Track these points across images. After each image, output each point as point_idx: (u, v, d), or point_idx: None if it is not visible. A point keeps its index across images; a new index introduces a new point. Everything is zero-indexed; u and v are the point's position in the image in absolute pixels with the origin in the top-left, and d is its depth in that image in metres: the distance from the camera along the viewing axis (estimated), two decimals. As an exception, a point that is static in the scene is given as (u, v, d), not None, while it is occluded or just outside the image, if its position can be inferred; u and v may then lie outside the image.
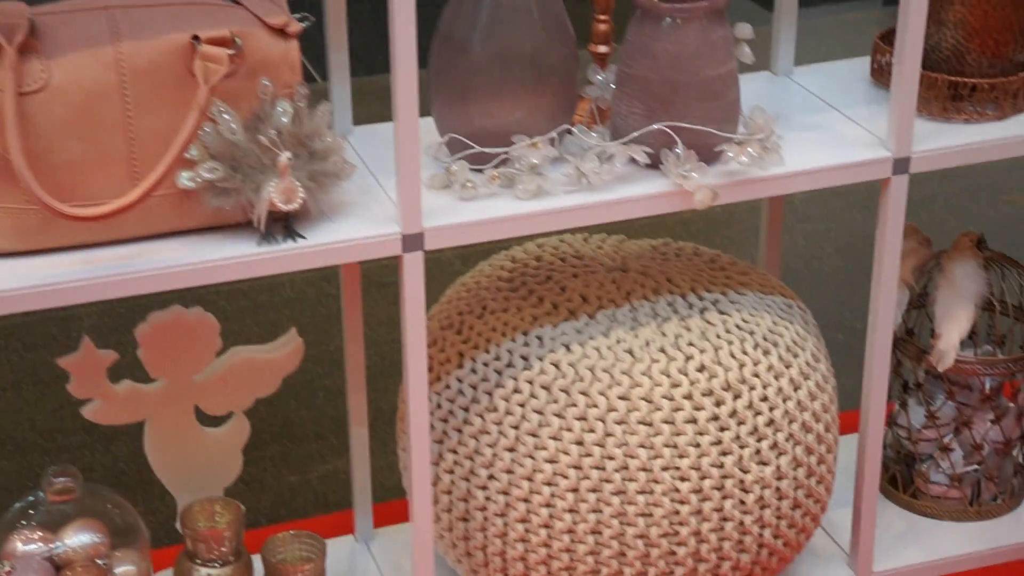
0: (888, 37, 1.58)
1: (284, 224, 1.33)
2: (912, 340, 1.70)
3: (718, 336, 1.51)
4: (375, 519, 1.73)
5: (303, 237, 1.33)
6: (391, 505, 1.78)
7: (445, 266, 2.38)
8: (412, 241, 1.36)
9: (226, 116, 1.29)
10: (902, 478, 1.75)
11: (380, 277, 2.16)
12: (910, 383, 1.73)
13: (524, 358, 1.50)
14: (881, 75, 1.59)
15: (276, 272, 1.32)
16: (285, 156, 1.30)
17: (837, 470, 1.67)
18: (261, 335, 1.55)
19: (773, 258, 1.79)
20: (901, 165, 1.47)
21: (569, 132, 1.45)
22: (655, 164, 1.42)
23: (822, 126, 1.54)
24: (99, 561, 1.39)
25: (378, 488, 1.76)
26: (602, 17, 1.54)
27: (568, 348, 1.50)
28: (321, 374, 2.17)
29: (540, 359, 1.50)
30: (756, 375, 1.50)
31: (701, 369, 1.49)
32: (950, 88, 1.51)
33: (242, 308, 2.40)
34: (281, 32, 1.32)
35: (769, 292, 1.60)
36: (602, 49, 1.55)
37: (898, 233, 1.50)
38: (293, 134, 1.31)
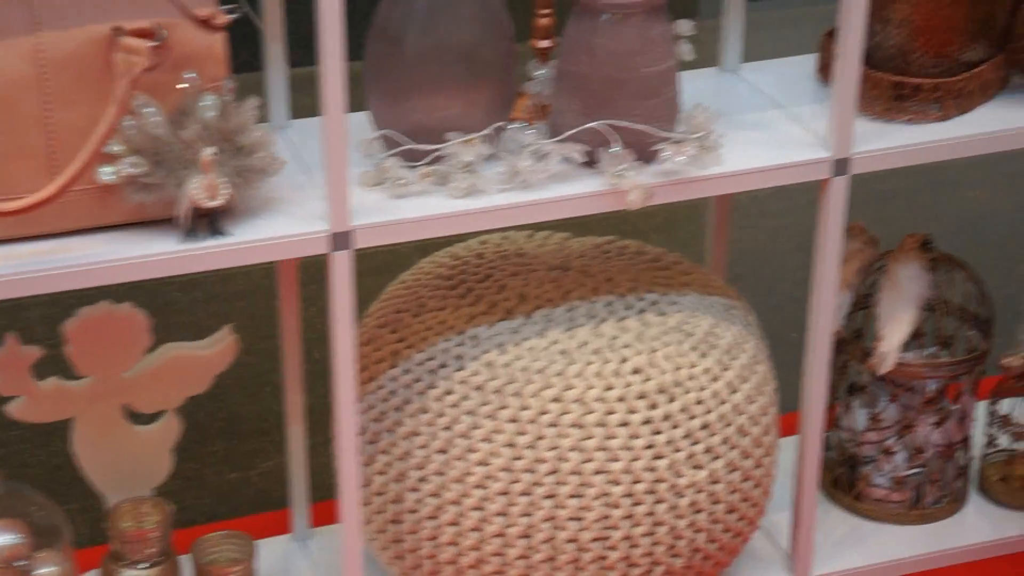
0: (834, 34, 1.56)
1: (209, 220, 1.30)
2: (858, 342, 1.68)
3: (655, 338, 1.49)
4: (315, 518, 1.70)
5: (228, 234, 1.30)
6: (331, 504, 1.75)
7: (404, 259, 2.36)
8: (340, 239, 1.33)
9: (149, 110, 1.26)
10: (846, 480, 1.73)
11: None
12: (856, 385, 1.71)
13: (458, 358, 1.48)
14: (827, 73, 1.56)
15: (200, 270, 1.30)
16: (209, 151, 1.27)
17: (781, 472, 1.65)
18: (213, 327, 1.52)
19: (720, 257, 1.77)
20: (841, 166, 1.45)
21: (506, 129, 1.43)
22: (592, 162, 1.40)
23: (765, 125, 1.51)
24: (18, 563, 1.36)
25: (321, 486, 1.74)
26: (544, 11, 1.52)
27: (502, 349, 1.48)
28: (269, 368, 2.15)
29: (474, 359, 1.47)
30: (692, 378, 1.48)
31: (636, 372, 1.46)
32: (894, 88, 1.49)
33: (195, 300, 2.37)
34: (207, 24, 1.29)
35: (711, 293, 1.58)
36: (543, 44, 1.52)
37: (838, 235, 1.48)
38: (218, 129, 1.28)
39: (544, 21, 1.52)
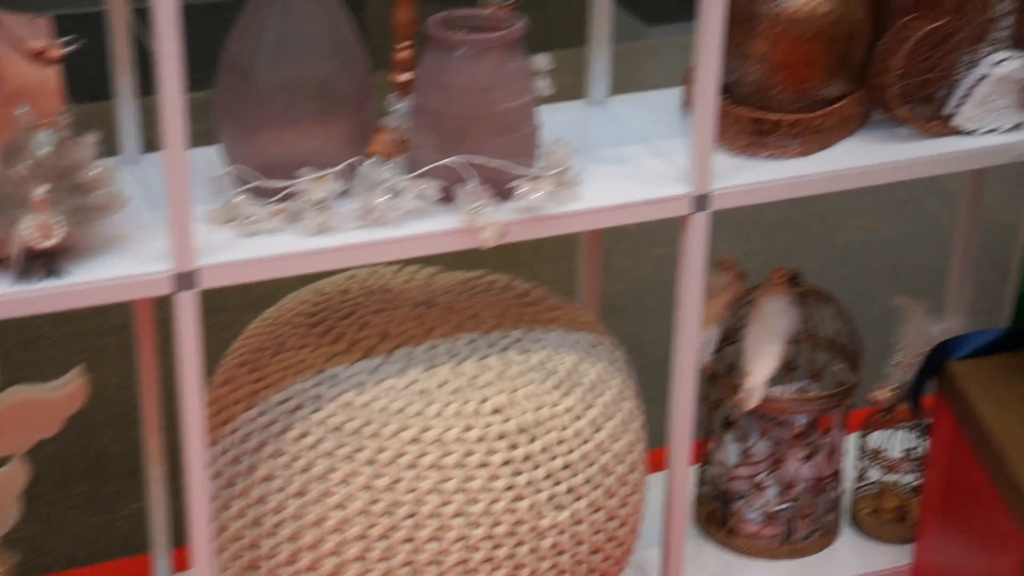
0: (698, 69, 1.55)
1: (45, 261, 1.25)
2: (729, 376, 1.66)
3: (516, 376, 1.47)
4: (177, 563, 1.65)
5: (65, 275, 1.26)
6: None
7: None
8: (184, 280, 1.29)
9: (-21, 147, 1.22)
10: (719, 515, 1.72)
11: (219, 302, 2.09)
12: (729, 420, 1.70)
13: (316, 399, 1.44)
14: (692, 107, 1.55)
15: (33, 313, 1.25)
16: (41, 190, 1.22)
17: (655, 507, 1.63)
18: (86, 361, 1.47)
19: (593, 290, 1.75)
20: (701, 202, 1.43)
21: (362, 164, 1.39)
22: (450, 199, 1.38)
23: (628, 159, 1.50)
24: None
25: (183, 530, 1.69)
26: (403, 44, 1.49)
27: (361, 389, 1.44)
28: (139, 405, 2.09)
29: (332, 400, 1.44)
30: (554, 417, 1.45)
31: (496, 411, 1.44)
32: (754, 123, 1.48)
33: (67, 334, 2.32)
34: (41, 57, 1.25)
35: (578, 329, 1.56)
36: (403, 78, 1.49)
37: (700, 271, 1.47)
38: (53, 166, 1.24)
39: (403, 55, 1.49)
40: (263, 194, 1.36)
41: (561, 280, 2.43)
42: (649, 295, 2.54)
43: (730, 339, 1.67)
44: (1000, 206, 2.67)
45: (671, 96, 1.63)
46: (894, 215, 2.82)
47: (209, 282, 1.30)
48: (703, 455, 1.73)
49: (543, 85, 1.42)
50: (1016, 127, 1.51)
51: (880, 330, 1.85)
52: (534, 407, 1.45)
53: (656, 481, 1.65)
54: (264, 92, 1.34)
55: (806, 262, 2.57)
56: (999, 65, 1.46)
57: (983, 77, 1.47)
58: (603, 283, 2.21)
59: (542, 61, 1.42)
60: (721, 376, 1.67)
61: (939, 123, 1.51)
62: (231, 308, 2.20)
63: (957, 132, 1.51)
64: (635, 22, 3.65)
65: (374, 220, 1.36)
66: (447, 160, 1.35)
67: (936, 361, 1.56)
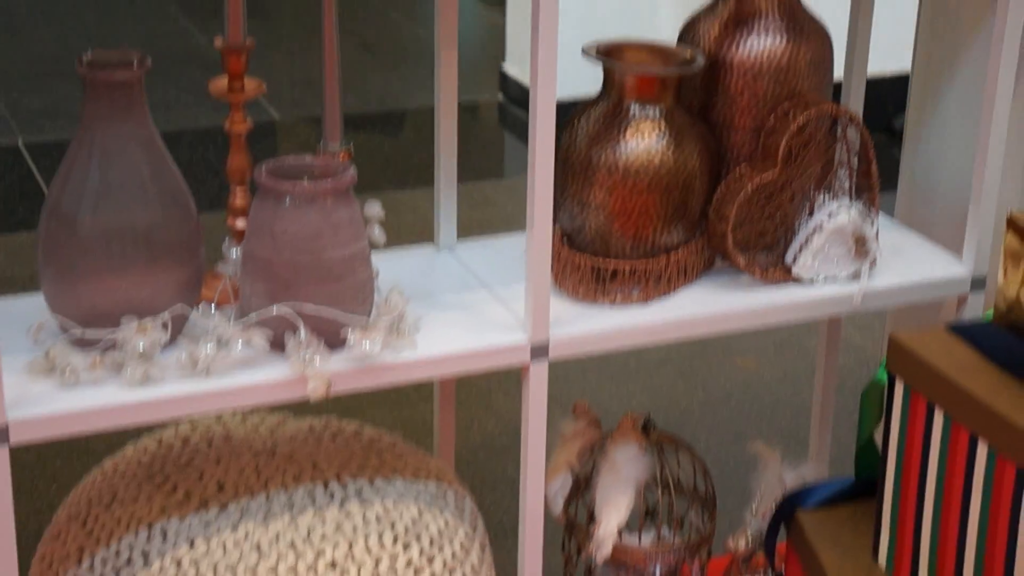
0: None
1: None
2: (586, 525, 1.63)
3: (355, 528, 1.43)
4: None
5: None
6: None
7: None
8: (-5, 434, 1.24)
9: None
10: (576, 669, 1.67)
11: (85, 445, 2.03)
12: (589, 570, 1.66)
13: (145, 555, 1.39)
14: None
15: None
16: None
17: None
18: None
19: (448, 436, 1.72)
20: (539, 351, 1.42)
21: (191, 312, 1.37)
22: (281, 348, 1.35)
23: (470, 307, 1.48)
24: None
25: None
26: (239, 190, 1.47)
27: (192, 543, 1.40)
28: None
29: (161, 556, 1.39)
30: (393, 570, 1.41)
31: (332, 566, 1.39)
32: (594, 271, 1.47)
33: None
34: None
35: (424, 478, 1.52)
36: (239, 224, 1.48)
37: (541, 421, 1.44)
38: None
39: (240, 201, 1.47)
40: (86, 344, 1.32)
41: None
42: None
43: (584, 487, 1.65)
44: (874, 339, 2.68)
45: (520, 241, 1.62)
46: (776, 353, 2.82)
47: (18, 438, 1.26)
48: (560, 606, 1.69)
49: (375, 234, 1.41)
50: (854, 276, 1.51)
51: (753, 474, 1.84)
52: (373, 561, 1.41)
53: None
54: (87, 239, 1.32)
55: (687, 401, 2.56)
56: (833, 216, 1.47)
57: (819, 227, 1.48)
58: (484, 423, 2.18)
59: (374, 209, 1.40)
60: (577, 525, 1.64)
61: (779, 271, 1.51)
62: (97, 452, 2.15)
63: (798, 281, 1.51)
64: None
65: (200, 370, 1.33)
66: (276, 309, 1.33)
67: (786, 511, 1.54)
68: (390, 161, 3.36)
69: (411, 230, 2.89)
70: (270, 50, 4.02)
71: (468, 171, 3.45)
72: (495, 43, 4.10)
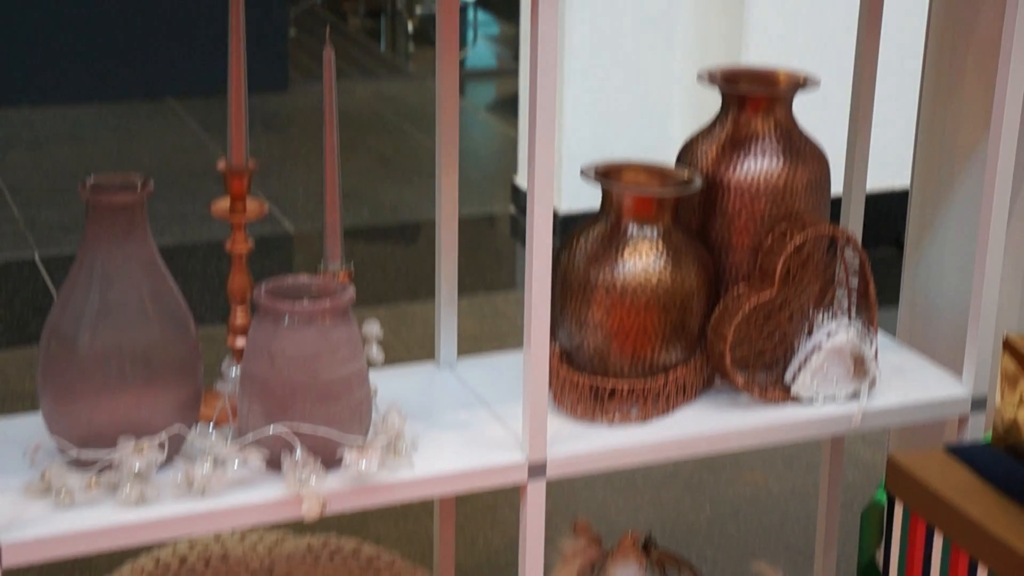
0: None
1: None
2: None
3: (350, 651, 1.42)
4: None
5: None
6: None
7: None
8: (-13, 555, 1.24)
9: None
10: None
11: (88, 560, 2.02)
12: None
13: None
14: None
15: None
16: None
17: None
18: None
19: (447, 554, 1.71)
20: (536, 470, 1.41)
21: (188, 432, 1.37)
22: (278, 467, 1.35)
23: (468, 425, 1.48)
24: None
25: None
26: (240, 309, 1.48)
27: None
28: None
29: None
30: None
31: None
32: (592, 390, 1.47)
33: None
34: None
35: (422, 598, 1.51)
36: (239, 343, 1.48)
37: (539, 540, 1.43)
38: None
39: (240, 320, 1.48)
40: (83, 464, 1.32)
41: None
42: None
43: (585, 607, 1.63)
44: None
45: (519, 358, 1.62)
46: (785, 468, 2.80)
47: (12, 560, 1.25)
48: None
49: (373, 353, 1.41)
50: (853, 396, 1.51)
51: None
52: None
53: None
54: (86, 360, 1.33)
55: (694, 516, 2.54)
56: (832, 335, 1.47)
57: (817, 346, 1.48)
58: (489, 538, 2.16)
59: (372, 329, 1.41)
60: (578, 645, 1.62)
61: (778, 391, 1.51)
62: (98, 567, 2.14)
63: (797, 400, 1.51)
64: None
65: (196, 491, 1.33)
66: (273, 428, 1.33)
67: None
68: (402, 273, 3.38)
69: (421, 343, 2.90)
70: (286, 163, 4.07)
71: (480, 282, 3.48)
72: (508, 156, 4.14)
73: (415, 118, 4.49)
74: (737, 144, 1.51)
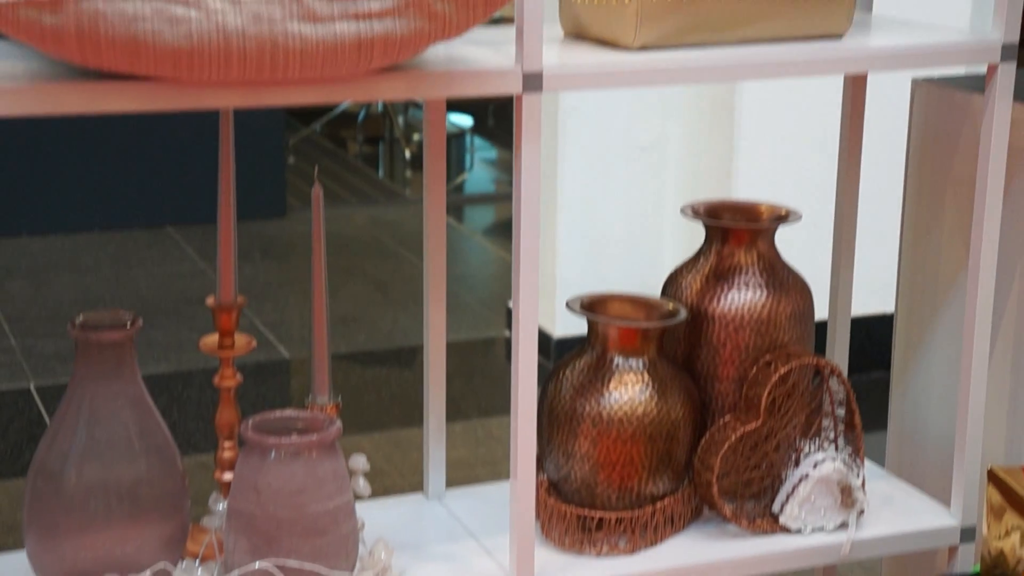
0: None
1: None
2: None
3: None
4: None
5: None
6: None
7: None
8: None
9: None
10: None
11: None
12: None
13: None
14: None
15: None
16: None
17: None
18: None
19: None
20: (523, 604, 1.41)
21: (174, 569, 1.36)
22: (264, 602, 1.34)
23: (456, 557, 1.48)
24: None
25: None
26: (227, 444, 1.49)
27: None
28: None
29: None
30: None
31: None
32: (579, 520, 1.47)
33: None
34: None
35: None
36: (226, 477, 1.49)
37: (527, 676, 1.42)
38: None
39: (227, 454, 1.49)
40: (69, 600, 1.32)
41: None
42: None
43: None
44: None
45: (507, 489, 1.62)
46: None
47: None
48: None
49: (360, 486, 1.41)
50: (841, 526, 1.51)
51: None
52: None
53: None
54: (72, 496, 1.33)
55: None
56: (818, 465, 1.48)
57: (804, 477, 1.48)
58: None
59: (359, 462, 1.42)
60: None
61: (767, 521, 1.50)
62: None
63: (786, 530, 1.50)
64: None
65: (181, 628, 1.32)
66: (258, 565, 1.33)
67: None
68: (396, 398, 3.38)
69: (415, 469, 2.89)
70: (282, 289, 4.10)
71: (474, 407, 3.47)
72: (503, 280, 4.17)
73: (412, 244, 4.53)
74: (721, 276, 1.53)
